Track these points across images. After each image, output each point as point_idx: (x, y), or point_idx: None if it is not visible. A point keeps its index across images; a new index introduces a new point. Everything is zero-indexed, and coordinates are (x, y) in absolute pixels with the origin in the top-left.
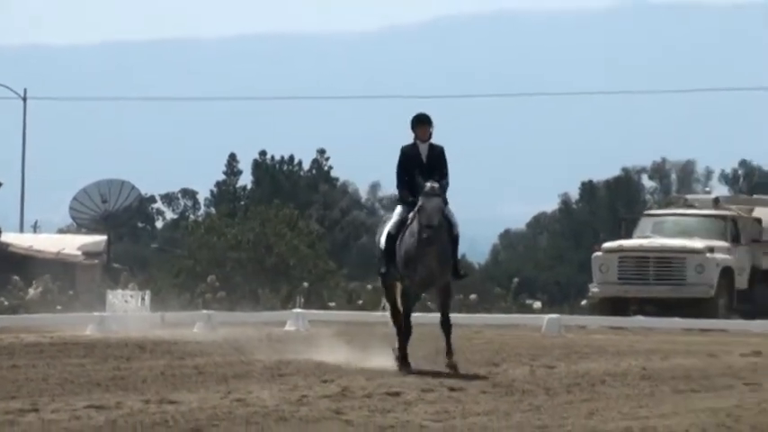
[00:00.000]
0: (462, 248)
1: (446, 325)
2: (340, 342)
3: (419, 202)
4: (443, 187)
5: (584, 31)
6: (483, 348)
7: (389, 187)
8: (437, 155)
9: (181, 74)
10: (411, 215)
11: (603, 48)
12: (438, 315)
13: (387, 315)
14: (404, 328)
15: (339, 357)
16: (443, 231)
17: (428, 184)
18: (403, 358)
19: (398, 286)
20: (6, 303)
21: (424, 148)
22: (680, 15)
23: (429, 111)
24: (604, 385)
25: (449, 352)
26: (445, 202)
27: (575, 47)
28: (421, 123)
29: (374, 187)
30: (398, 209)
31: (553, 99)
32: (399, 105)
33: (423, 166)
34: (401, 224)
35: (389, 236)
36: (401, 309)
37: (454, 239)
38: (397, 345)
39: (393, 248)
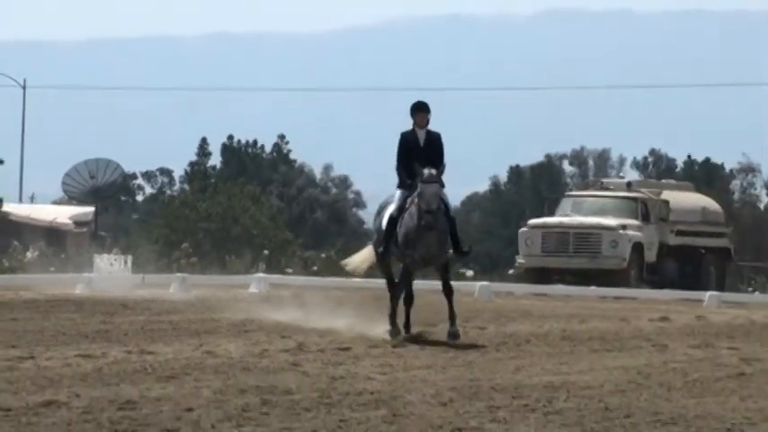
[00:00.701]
0: None
1: (448, 290)
2: (296, 303)
3: (418, 189)
4: (440, 172)
5: (517, 33)
6: (423, 310)
7: (340, 168)
8: (434, 140)
9: (160, 67)
10: (410, 199)
11: (532, 49)
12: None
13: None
14: (405, 298)
15: (296, 317)
16: (441, 214)
17: (426, 171)
18: (393, 321)
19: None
20: (7, 265)
21: (421, 135)
22: (603, 20)
23: (382, 102)
24: (529, 345)
25: (451, 316)
26: (442, 185)
27: (509, 47)
28: (419, 110)
29: (327, 168)
30: (398, 193)
31: (488, 93)
32: (346, 98)
33: (420, 151)
34: (401, 208)
35: (391, 218)
36: (400, 285)
37: (451, 220)
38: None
39: (393, 230)
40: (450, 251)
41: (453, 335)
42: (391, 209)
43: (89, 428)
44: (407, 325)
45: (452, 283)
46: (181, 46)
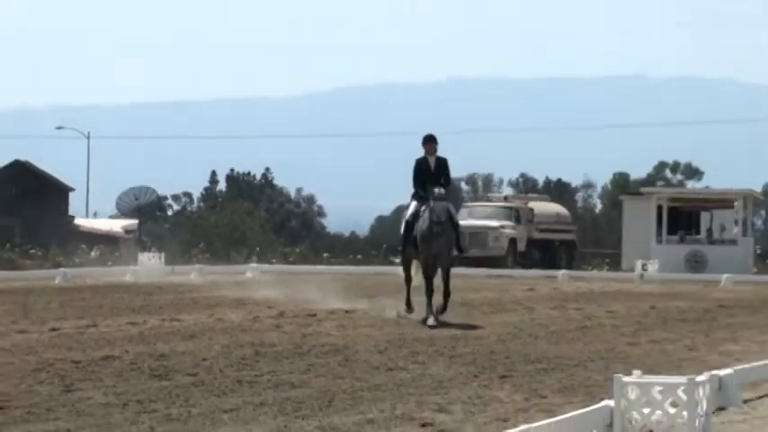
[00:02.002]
0: (352, 227)
1: (446, 293)
2: (278, 284)
3: (430, 204)
4: (447, 191)
5: (428, 97)
6: (368, 287)
7: (308, 190)
8: (442, 165)
9: (184, 124)
10: (423, 208)
11: (440, 106)
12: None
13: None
14: (426, 290)
15: (278, 293)
16: (448, 223)
17: (437, 191)
18: (408, 305)
19: (414, 262)
20: (77, 261)
21: (432, 160)
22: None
23: (335, 144)
24: (451, 309)
25: (443, 309)
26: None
27: (424, 107)
28: (429, 141)
29: (299, 190)
30: (413, 203)
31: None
32: (312, 142)
33: (431, 173)
34: (416, 215)
35: (407, 223)
36: (423, 275)
37: (456, 226)
38: (403, 308)
39: (410, 233)
40: (455, 252)
41: (431, 320)
42: (407, 215)
43: (135, 374)
44: (432, 312)
45: (386, 267)
46: (194, 108)
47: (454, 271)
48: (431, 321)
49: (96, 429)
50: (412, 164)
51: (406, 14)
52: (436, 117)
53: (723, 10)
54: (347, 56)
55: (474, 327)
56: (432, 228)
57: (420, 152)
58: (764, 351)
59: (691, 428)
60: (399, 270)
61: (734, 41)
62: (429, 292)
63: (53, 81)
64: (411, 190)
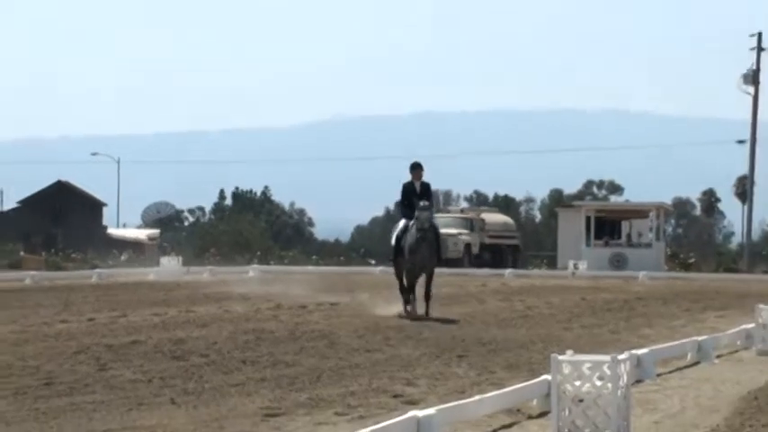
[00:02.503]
0: (336, 234)
1: (428, 296)
2: (276, 282)
3: (416, 214)
4: (431, 205)
5: (394, 128)
6: (349, 284)
7: (300, 204)
8: (426, 188)
9: (197, 150)
10: (411, 223)
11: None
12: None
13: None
14: (407, 293)
15: (276, 289)
16: (432, 233)
17: (421, 203)
18: (406, 309)
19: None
20: (110, 263)
21: (417, 185)
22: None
23: (321, 167)
24: (417, 301)
25: (427, 311)
26: (432, 216)
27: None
28: (416, 168)
29: (292, 204)
30: (402, 221)
31: (372, 162)
32: (302, 164)
33: (417, 196)
34: (405, 229)
35: (397, 238)
36: (406, 282)
37: (438, 239)
38: (402, 308)
39: (399, 246)
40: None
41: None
42: (397, 231)
43: (158, 356)
44: (408, 311)
45: (363, 267)
46: (206, 136)
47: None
48: (405, 312)
49: (126, 401)
50: (388, 184)
51: (373, 58)
52: (405, 145)
53: (641, 54)
54: (333, 93)
55: (435, 317)
56: (417, 238)
57: (407, 177)
58: (674, 335)
59: (614, 398)
60: (375, 270)
61: (652, 79)
62: (407, 294)
63: (89, 114)
64: (385, 205)
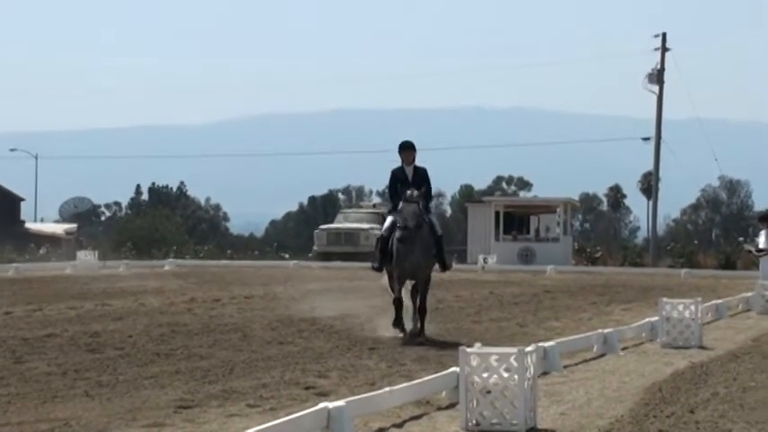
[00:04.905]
0: (251, 229)
1: (422, 311)
2: (190, 276)
3: (399, 207)
4: (426, 197)
5: (310, 126)
6: (262, 277)
7: (215, 199)
8: (421, 175)
9: (114, 146)
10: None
11: (325, 134)
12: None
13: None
14: (396, 304)
15: (189, 283)
16: (425, 231)
17: (408, 192)
18: (397, 325)
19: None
20: (27, 257)
21: (409, 170)
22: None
23: (238, 162)
24: (320, 295)
25: (421, 331)
26: (428, 210)
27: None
28: (405, 149)
29: (207, 199)
30: (389, 218)
31: (301, 156)
32: (217, 160)
33: (408, 185)
34: (392, 227)
35: (381, 237)
36: (394, 293)
37: (438, 239)
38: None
39: (385, 247)
40: (435, 265)
41: (422, 342)
42: (383, 229)
43: (73, 349)
44: (414, 328)
45: (277, 261)
46: (123, 133)
47: (329, 264)
48: (411, 338)
49: (41, 394)
50: (302, 180)
51: (289, 58)
52: (317, 141)
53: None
54: (247, 91)
55: (347, 308)
56: (399, 237)
57: (396, 162)
58: (580, 327)
59: (521, 389)
60: (288, 264)
61: (561, 78)
62: (397, 309)
63: (6, 110)
64: (299, 201)
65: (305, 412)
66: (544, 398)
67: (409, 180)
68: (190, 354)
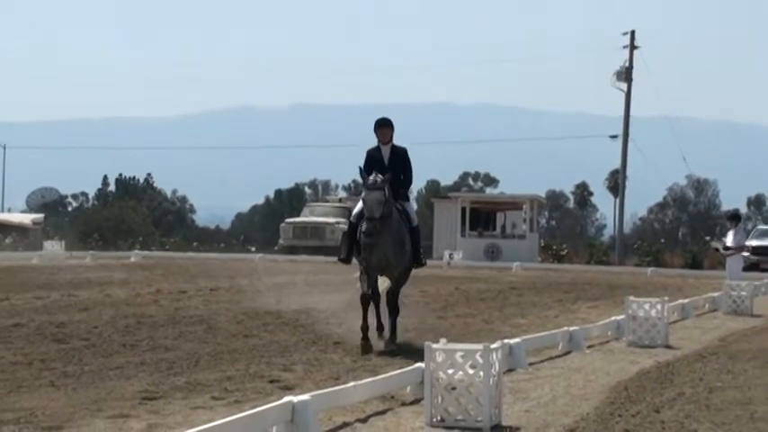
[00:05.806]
0: (217, 221)
1: (393, 307)
2: (156, 267)
3: (362, 195)
4: (404, 182)
5: (269, 122)
6: (227, 269)
7: (182, 191)
8: (399, 156)
9: (81, 137)
10: None
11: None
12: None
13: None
14: (363, 302)
15: (156, 274)
16: (393, 222)
17: (371, 178)
18: (363, 324)
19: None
20: None
21: (386, 151)
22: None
23: (203, 156)
24: (287, 288)
25: (392, 335)
26: (404, 198)
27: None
28: (381, 127)
29: (174, 191)
30: (360, 204)
31: (264, 150)
32: (184, 153)
33: (384, 167)
34: (360, 215)
35: (350, 224)
36: (365, 288)
37: (413, 230)
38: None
39: (353, 235)
40: (408, 261)
41: (390, 347)
42: (351, 217)
43: (39, 339)
44: (380, 325)
45: (244, 254)
46: (90, 125)
47: (295, 257)
48: (384, 346)
49: (6, 383)
50: (268, 173)
51: (256, 53)
52: (284, 135)
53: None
54: (215, 84)
55: (308, 302)
56: (365, 230)
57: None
58: (546, 324)
59: (486, 386)
60: (255, 257)
61: (528, 75)
62: (364, 306)
63: None
64: (265, 194)
65: (269, 406)
66: (509, 395)
67: (385, 162)
68: (155, 345)
